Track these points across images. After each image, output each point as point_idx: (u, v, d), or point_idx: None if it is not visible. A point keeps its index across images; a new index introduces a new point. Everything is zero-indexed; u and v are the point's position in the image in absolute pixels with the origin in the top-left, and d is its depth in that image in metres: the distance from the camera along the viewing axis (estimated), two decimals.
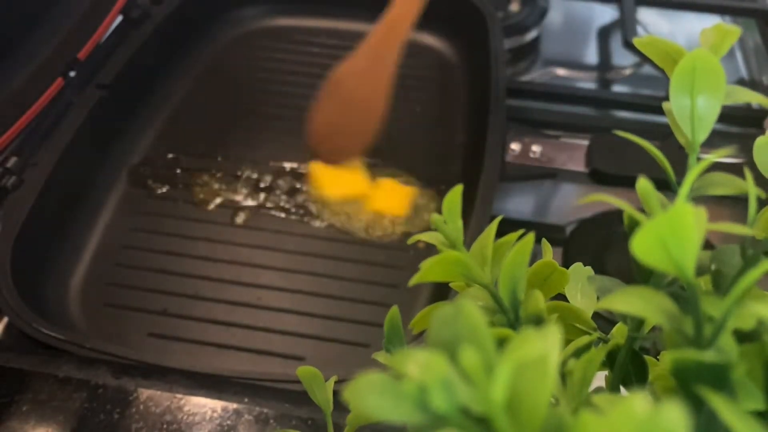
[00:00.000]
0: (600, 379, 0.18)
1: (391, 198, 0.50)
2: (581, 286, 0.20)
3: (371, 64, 0.48)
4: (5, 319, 0.41)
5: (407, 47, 0.64)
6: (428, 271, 0.16)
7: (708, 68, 0.16)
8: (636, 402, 0.10)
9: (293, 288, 0.46)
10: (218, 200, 0.52)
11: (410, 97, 0.60)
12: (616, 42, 0.67)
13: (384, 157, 0.54)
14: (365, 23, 0.65)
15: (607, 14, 0.70)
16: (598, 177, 0.51)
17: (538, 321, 0.17)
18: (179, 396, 0.33)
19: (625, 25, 0.59)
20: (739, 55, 0.65)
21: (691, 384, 0.13)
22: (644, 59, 0.62)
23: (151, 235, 0.49)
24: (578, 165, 0.52)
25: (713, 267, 0.16)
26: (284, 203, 0.51)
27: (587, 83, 0.64)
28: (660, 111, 0.54)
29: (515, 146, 0.53)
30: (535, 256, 0.21)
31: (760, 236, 0.16)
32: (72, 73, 0.52)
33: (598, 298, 0.20)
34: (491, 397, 0.11)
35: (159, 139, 0.56)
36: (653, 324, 0.17)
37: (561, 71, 0.64)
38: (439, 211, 0.18)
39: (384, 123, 0.48)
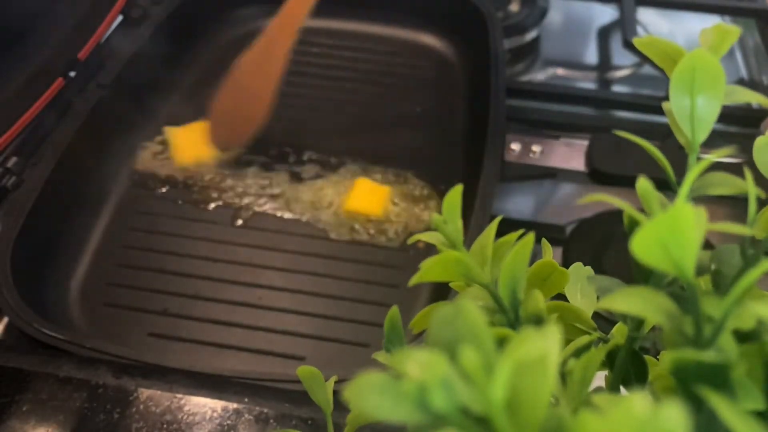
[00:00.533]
0: (600, 378, 0.18)
1: (367, 198, 0.51)
2: (581, 285, 0.20)
3: (264, 56, 0.52)
4: (6, 319, 0.41)
5: (408, 47, 0.64)
6: (428, 271, 0.16)
7: (708, 68, 0.16)
8: (636, 402, 0.10)
9: (293, 288, 0.46)
10: (218, 200, 0.52)
11: (410, 97, 0.60)
12: (615, 42, 0.67)
13: (384, 156, 0.54)
14: (365, 23, 0.66)
15: (607, 14, 0.70)
16: (598, 177, 0.51)
17: (538, 321, 0.17)
18: (179, 396, 0.33)
19: (625, 25, 0.59)
20: (738, 55, 0.65)
21: (691, 384, 0.13)
22: (644, 59, 0.62)
23: (151, 235, 0.49)
24: (578, 165, 0.52)
25: (713, 267, 0.16)
26: (284, 203, 0.51)
27: (587, 83, 0.64)
28: (660, 111, 0.54)
29: (515, 146, 0.53)
30: (535, 255, 0.21)
31: (759, 236, 0.16)
32: (72, 73, 0.52)
33: (598, 297, 0.20)
34: (491, 396, 0.11)
35: (159, 139, 0.56)
36: (653, 324, 0.17)
37: (561, 71, 0.64)
38: (439, 210, 0.18)
39: (272, 110, 0.53)
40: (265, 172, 0.53)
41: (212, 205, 0.51)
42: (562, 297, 0.20)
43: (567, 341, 0.18)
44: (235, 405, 0.33)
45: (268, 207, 0.51)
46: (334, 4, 0.66)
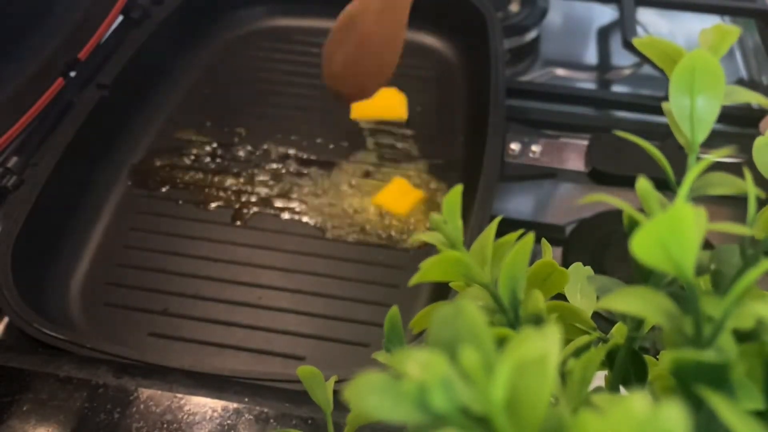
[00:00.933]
0: (600, 378, 0.18)
1: (396, 196, 0.51)
2: (581, 285, 0.21)
3: (387, 3, 0.46)
4: (6, 319, 0.41)
5: (408, 47, 0.64)
6: (428, 271, 0.16)
7: (707, 68, 0.16)
8: (636, 401, 0.10)
9: (293, 288, 0.46)
10: (218, 200, 0.52)
11: (410, 97, 0.60)
12: (615, 42, 0.67)
13: (383, 156, 0.54)
14: None
15: (607, 14, 0.70)
16: (597, 177, 0.51)
17: (537, 321, 0.17)
18: (180, 395, 0.33)
19: (625, 26, 0.59)
20: (738, 56, 0.65)
21: (691, 383, 0.13)
22: (644, 59, 0.62)
23: (151, 235, 0.49)
24: (578, 165, 0.52)
25: (713, 267, 0.16)
26: (284, 203, 0.51)
27: (587, 83, 0.64)
28: (659, 111, 0.54)
29: (515, 146, 0.53)
30: (535, 255, 0.21)
31: (759, 236, 0.16)
32: (72, 73, 0.52)
33: (597, 297, 0.20)
34: (491, 396, 0.11)
35: (159, 139, 0.56)
36: (653, 324, 0.17)
37: (561, 71, 0.64)
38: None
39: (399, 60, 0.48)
40: (265, 172, 0.53)
41: (212, 205, 0.51)
42: (561, 297, 0.20)
43: (567, 341, 0.18)
44: (235, 405, 0.33)
45: (268, 207, 0.51)
46: (333, 5, 0.66)
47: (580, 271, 0.21)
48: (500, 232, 0.18)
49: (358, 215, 0.50)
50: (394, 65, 0.48)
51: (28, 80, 0.49)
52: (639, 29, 0.65)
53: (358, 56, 0.48)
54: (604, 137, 0.52)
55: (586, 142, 0.53)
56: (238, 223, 0.50)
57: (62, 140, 0.48)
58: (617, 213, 0.49)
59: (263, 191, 0.52)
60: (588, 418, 0.10)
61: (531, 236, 0.17)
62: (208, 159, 0.55)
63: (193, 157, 0.55)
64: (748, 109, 0.56)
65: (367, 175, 0.53)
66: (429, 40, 0.64)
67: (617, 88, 0.63)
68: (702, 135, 0.16)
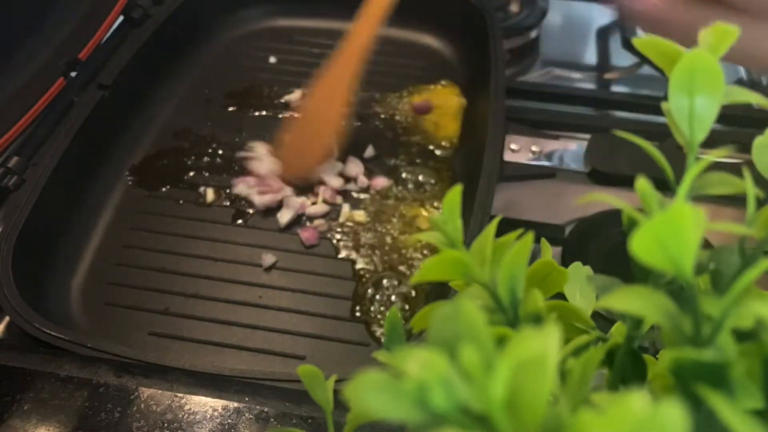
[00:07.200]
0: (599, 377, 0.18)
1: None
2: (580, 285, 0.21)
3: (329, 89, 0.52)
4: (7, 318, 0.41)
5: (408, 47, 0.64)
6: (428, 271, 0.16)
7: (707, 68, 0.16)
8: (635, 400, 0.10)
9: (294, 287, 0.46)
10: (219, 200, 0.52)
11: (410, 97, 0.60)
12: (615, 42, 0.67)
13: (384, 157, 0.54)
14: None
15: (607, 15, 0.70)
16: (597, 177, 0.51)
17: (537, 320, 0.17)
18: (180, 395, 0.33)
19: (625, 26, 0.59)
20: None
21: (690, 382, 0.13)
22: (643, 59, 0.62)
23: (152, 235, 0.49)
24: (577, 165, 0.52)
25: (712, 266, 0.16)
26: (284, 203, 0.51)
27: (586, 83, 0.64)
28: (659, 111, 0.54)
29: (515, 146, 0.53)
30: (535, 255, 0.21)
31: (758, 235, 0.16)
32: (73, 73, 0.53)
33: (597, 297, 0.20)
34: (491, 395, 0.11)
35: (160, 139, 0.56)
36: (652, 323, 0.17)
37: (560, 71, 0.64)
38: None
39: (339, 139, 0.53)
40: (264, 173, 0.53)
41: (213, 205, 0.51)
42: (561, 296, 0.20)
43: (566, 340, 0.18)
44: (235, 404, 0.33)
45: (268, 207, 0.51)
46: (333, 5, 0.66)
47: (579, 270, 0.21)
48: (500, 232, 0.18)
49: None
50: (329, 145, 0.53)
51: (28, 80, 0.49)
52: (638, 29, 0.65)
53: (300, 137, 0.53)
54: (603, 137, 0.52)
55: (585, 142, 0.53)
56: (239, 221, 0.50)
57: (63, 140, 0.48)
58: (616, 213, 0.49)
59: (263, 191, 0.52)
60: (587, 417, 0.10)
61: (530, 236, 0.17)
62: (208, 159, 0.55)
63: (193, 157, 0.55)
64: (747, 109, 0.56)
65: (366, 173, 0.53)
66: (429, 40, 0.64)
67: (617, 88, 0.63)
68: (701, 135, 0.16)
